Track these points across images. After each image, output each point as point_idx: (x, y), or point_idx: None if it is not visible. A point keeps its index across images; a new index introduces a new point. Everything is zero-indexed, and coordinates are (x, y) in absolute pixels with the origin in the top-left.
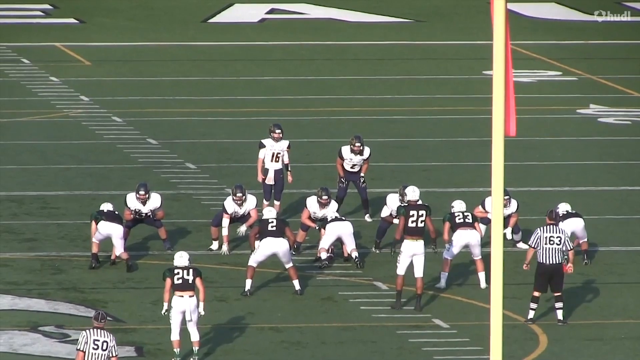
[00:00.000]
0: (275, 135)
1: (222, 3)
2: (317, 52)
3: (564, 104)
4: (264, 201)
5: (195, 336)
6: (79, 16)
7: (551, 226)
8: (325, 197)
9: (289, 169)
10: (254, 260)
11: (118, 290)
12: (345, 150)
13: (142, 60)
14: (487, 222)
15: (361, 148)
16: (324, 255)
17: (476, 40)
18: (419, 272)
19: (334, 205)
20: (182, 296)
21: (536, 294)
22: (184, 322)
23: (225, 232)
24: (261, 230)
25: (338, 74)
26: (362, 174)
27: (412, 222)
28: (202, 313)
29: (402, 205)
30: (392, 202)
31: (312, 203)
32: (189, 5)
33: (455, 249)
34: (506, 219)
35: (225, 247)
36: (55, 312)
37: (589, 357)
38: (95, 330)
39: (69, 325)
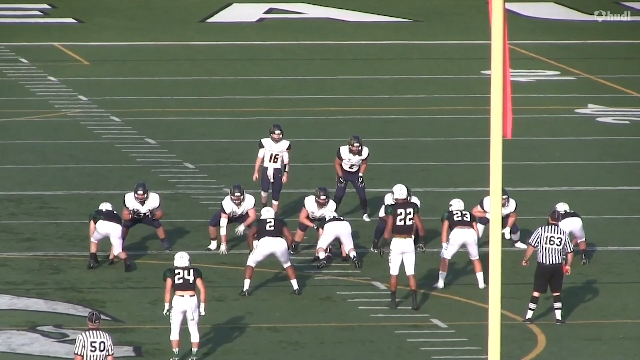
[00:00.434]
0: (275, 136)
1: (220, 3)
2: (316, 51)
3: (563, 103)
4: (262, 193)
5: (195, 337)
6: (78, 16)
7: (553, 226)
8: (323, 197)
9: (287, 170)
10: (252, 260)
11: (116, 290)
12: (344, 151)
13: (141, 60)
14: (485, 221)
15: (359, 148)
16: (322, 255)
17: (475, 40)
18: (410, 270)
19: (332, 205)
20: (183, 296)
21: (536, 294)
22: (184, 322)
23: (223, 231)
24: (259, 230)
25: (337, 73)
26: (360, 174)
27: (400, 220)
28: (203, 313)
29: (389, 204)
30: (390, 202)
31: (310, 203)
32: (188, 5)
33: (453, 248)
34: (504, 219)
35: (223, 247)
36: (53, 312)
37: (587, 356)
38: (91, 332)
39: (68, 325)
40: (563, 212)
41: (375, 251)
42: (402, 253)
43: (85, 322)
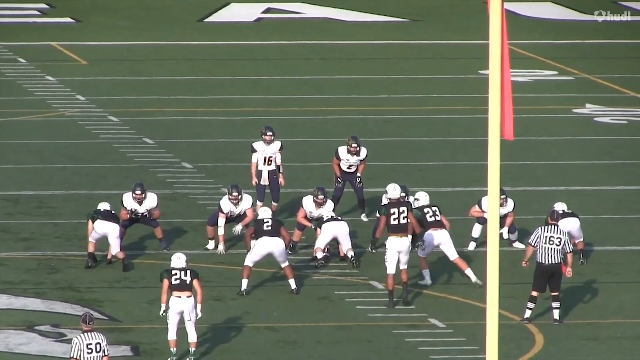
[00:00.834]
0: (267, 138)
1: (218, 2)
2: (314, 51)
3: (560, 103)
4: (258, 202)
5: (192, 337)
6: (75, 15)
7: (552, 226)
8: (321, 197)
9: (281, 171)
10: (250, 259)
11: (114, 290)
12: (342, 151)
13: (139, 59)
14: (483, 221)
15: (357, 149)
16: (320, 255)
17: (472, 39)
18: (403, 265)
19: (330, 204)
20: (180, 297)
21: (534, 293)
22: (181, 322)
23: (221, 231)
24: (257, 229)
25: (334, 73)
26: (358, 174)
27: (394, 219)
28: (200, 315)
29: (383, 204)
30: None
31: (308, 202)
32: (185, 4)
33: (428, 249)
34: (502, 219)
35: (221, 247)
36: (51, 312)
37: (585, 356)
38: (86, 334)
39: (65, 325)
40: (561, 212)
41: (374, 251)
42: (398, 251)
43: None
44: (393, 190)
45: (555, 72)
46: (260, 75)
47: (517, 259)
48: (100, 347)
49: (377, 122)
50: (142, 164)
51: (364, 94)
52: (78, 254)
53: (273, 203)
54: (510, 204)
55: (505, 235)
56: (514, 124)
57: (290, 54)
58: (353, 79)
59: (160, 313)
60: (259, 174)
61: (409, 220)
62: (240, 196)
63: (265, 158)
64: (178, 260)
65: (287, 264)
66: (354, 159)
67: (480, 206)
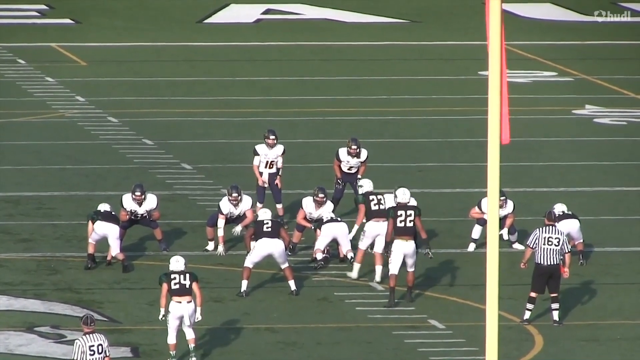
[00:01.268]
0: (270, 142)
1: (218, 3)
2: (313, 52)
3: (560, 104)
4: (258, 204)
5: (190, 334)
6: (75, 16)
7: (550, 227)
8: (321, 195)
9: (280, 174)
10: (249, 261)
11: (114, 291)
12: (342, 153)
13: (138, 60)
14: (483, 222)
15: (357, 150)
16: (319, 256)
17: (472, 40)
18: (410, 267)
19: (329, 205)
20: (180, 302)
21: (533, 294)
22: (181, 326)
23: (220, 232)
24: (256, 231)
25: (334, 74)
26: (359, 176)
27: (401, 222)
28: (200, 318)
29: (391, 207)
30: (388, 203)
31: (308, 203)
32: (185, 5)
33: (367, 240)
34: (502, 220)
35: (221, 248)
36: (50, 313)
37: (584, 357)
38: (88, 336)
39: (65, 326)
40: (561, 213)
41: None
42: (403, 254)
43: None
44: (403, 195)
45: (555, 73)
46: (260, 76)
47: (516, 260)
48: (102, 349)
49: (377, 122)
50: (142, 165)
51: (364, 94)
52: (78, 255)
53: (277, 206)
54: (510, 205)
55: (505, 237)
56: (510, 126)
57: (289, 55)
58: (353, 80)
59: (160, 317)
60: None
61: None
62: (239, 197)
63: (267, 162)
64: (177, 263)
65: (286, 265)
66: (354, 161)
67: (480, 207)
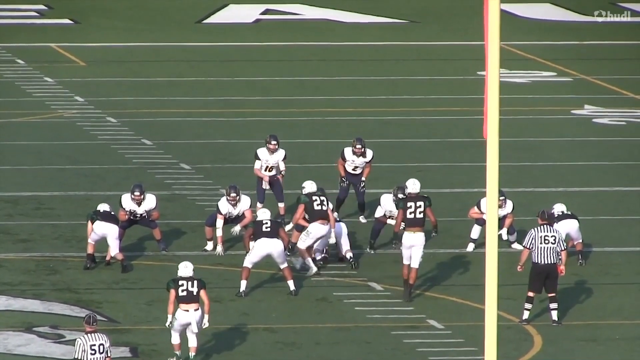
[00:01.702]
0: (271, 147)
1: (217, 4)
2: (312, 52)
3: (559, 104)
4: (258, 204)
5: (193, 342)
6: (74, 17)
7: (545, 226)
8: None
9: (282, 173)
10: (248, 261)
11: (113, 291)
12: (348, 152)
13: (137, 60)
14: (482, 223)
15: (362, 150)
16: (318, 256)
17: (470, 40)
18: (415, 263)
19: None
20: (188, 310)
21: (531, 294)
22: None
23: (219, 232)
24: (255, 231)
25: (333, 74)
26: (363, 178)
27: (411, 213)
28: (207, 325)
29: (400, 198)
30: (386, 203)
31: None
32: (184, 5)
33: (309, 240)
34: (501, 220)
35: (219, 248)
36: (49, 313)
37: (584, 357)
38: (89, 335)
39: (64, 326)
40: (560, 213)
41: (372, 252)
42: (411, 246)
43: (81, 322)
44: (413, 185)
45: (554, 73)
46: (259, 77)
47: (515, 260)
48: (104, 348)
49: (376, 123)
50: (141, 165)
51: (363, 95)
52: (77, 255)
53: (279, 205)
54: (509, 205)
55: (505, 237)
56: (511, 124)
57: (289, 55)
58: (352, 80)
59: (167, 324)
60: (258, 180)
61: (424, 216)
62: (238, 197)
63: (267, 166)
64: (185, 269)
65: (285, 265)
66: (359, 160)
67: (479, 208)
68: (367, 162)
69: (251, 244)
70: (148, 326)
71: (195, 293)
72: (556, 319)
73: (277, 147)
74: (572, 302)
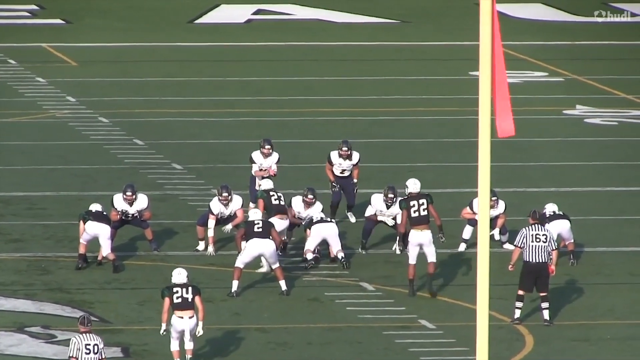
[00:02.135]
0: (265, 151)
1: (208, 4)
2: (304, 52)
3: (551, 104)
4: (251, 204)
5: (189, 345)
6: (66, 17)
7: (536, 225)
8: (310, 197)
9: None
10: (240, 261)
11: (104, 291)
12: (334, 155)
13: (129, 60)
14: (474, 223)
15: (349, 152)
16: (309, 256)
17: (463, 41)
18: (431, 258)
19: (318, 205)
20: (182, 317)
21: (521, 292)
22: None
23: (210, 233)
24: (247, 231)
25: (325, 74)
26: (355, 180)
27: (415, 211)
28: (201, 332)
29: (402, 198)
30: (377, 202)
31: (297, 203)
32: (176, 6)
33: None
34: (493, 220)
35: (211, 248)
36: (41, 313)
37: (575, 357)
38: (84, 335)
39: (56, 326)
40: (552, 213)
41: (364, 252)
42: (419, 245)
43: (73, 322)
44: (414, 185)
45: (546, 74)
46: (251, 77)
47: (507, 260)
48: (98, 349)
49: (368, 123)
50: (133, 165)
51: (355, 95)
52: (68, 255)
53: None
54: (501, 206)
55: (497, 237)
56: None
57: (280, 55)
58: (343, 80)
59: (161, 332)
60: (252, 179)
61: (428, 213)
62: (230, 197)
63: (261, 169)
64: (179, 276)
65: (277, 265)
66: (346, 163)
67: (471, 208)
68: (354, 165)
69: (243, 244)
70: (140, 326)
71: (190, 300)
72: (548, 318)
73: (271, 151)
74: (564, 302)
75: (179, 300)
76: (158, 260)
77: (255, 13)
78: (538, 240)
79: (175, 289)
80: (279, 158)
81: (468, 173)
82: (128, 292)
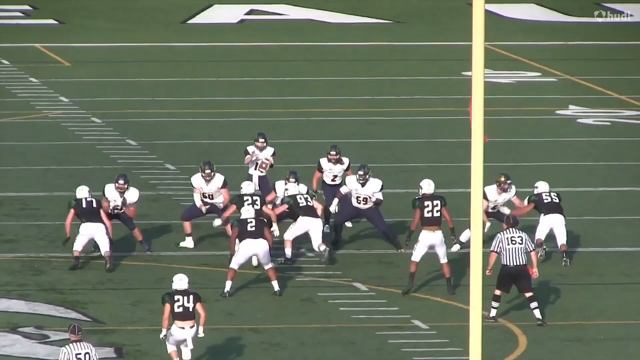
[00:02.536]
0: (259, 144)
1: (201, 4)
2: (297, 53)
3: (543, 105)
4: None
5: (187, 355)
6: (59, 17)
7: (510, 229)
8: (292, 179)
9: (270, 162)
10: (235, 262)
11: (97, 291)
12: (323, 161)
13: (122, 61)
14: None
15: (337, 156)
16: (288, 252)
17: (455, 41)
18: (443, 259)
19: (302, 187)
20: (184, 327)
21: (497, 292)
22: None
23: (198, 202)
24: (240, 231)
25: (318, 75)
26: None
27: (428, 212)
28: (202, 335)
29: (416, 197)
30: (351, 182)
31: (280, 187)
32: (169, 6)
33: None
34: (508, 203)
35: (217, 222)
36: (34, 313)
37: (568, 358)
38: (74, 344)
39: (49, 326)
40: (547, 198)
41: (349, 225)
42: (430, 245)
43: (66, 323)
44: (428, 186)
45: (539, 74)
46: (244, 77)
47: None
48: (89, 357)
49: (361, 123)
50: (126, 166)
51: (348, 95)
52: (61, 256)
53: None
54: (513, 189)
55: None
56: (496, 124)
57: (273, 56)
58: (336, 81)
59: (161, 337)
60: (248, 177)
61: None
62: (212, 173)
63: (256, 163)
64: (180, 282)
65: (270, 265)
66: (337, 168)
67: (485, 198)
68: (345, 170)
69: (236, 245)
70: (133, 327)
71: (191, 309)
72: (540, 317)
73: (265, 144)
74: (557, 303)
75: (180, 309)
76: (151, 261)
77: (248, 13)
78: (514, 242)
79: (176, 297)
80: (274, 151)
81: (461, 173)
82: (121, 292)
